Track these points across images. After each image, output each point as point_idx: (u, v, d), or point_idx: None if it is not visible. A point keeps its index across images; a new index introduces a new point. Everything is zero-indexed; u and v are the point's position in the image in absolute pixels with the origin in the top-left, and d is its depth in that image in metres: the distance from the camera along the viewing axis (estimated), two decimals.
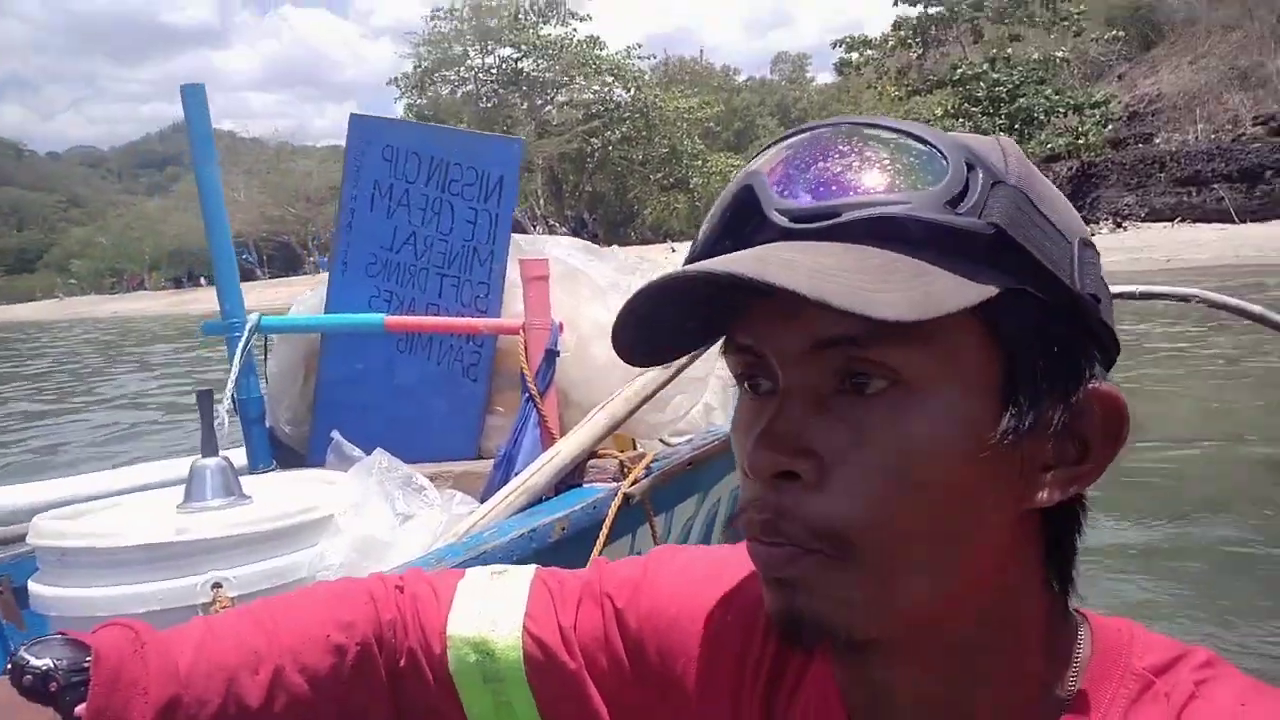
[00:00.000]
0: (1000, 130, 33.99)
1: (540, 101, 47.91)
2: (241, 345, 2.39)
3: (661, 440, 2.68)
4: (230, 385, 2.38)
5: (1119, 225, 29.72)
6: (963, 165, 0.56)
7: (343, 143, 2.55)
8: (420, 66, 47.82)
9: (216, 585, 1.66)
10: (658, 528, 2.42)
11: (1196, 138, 31.73)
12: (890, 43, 37.77)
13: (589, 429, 2.36)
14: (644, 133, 45.94)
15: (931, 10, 36.05)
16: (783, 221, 0.56)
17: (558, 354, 2.46)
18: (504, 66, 47.53)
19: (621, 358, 0.63)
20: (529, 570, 0.86)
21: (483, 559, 1.81)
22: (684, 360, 2.52)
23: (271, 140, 77.17)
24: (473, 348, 2.55)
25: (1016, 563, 0.60)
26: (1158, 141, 32.71)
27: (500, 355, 2.58)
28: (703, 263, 0.54)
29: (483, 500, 2.27)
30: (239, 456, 2.49)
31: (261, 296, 49.73)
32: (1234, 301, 2.66)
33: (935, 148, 0.57)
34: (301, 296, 2.69)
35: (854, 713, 0.66)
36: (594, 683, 0.78)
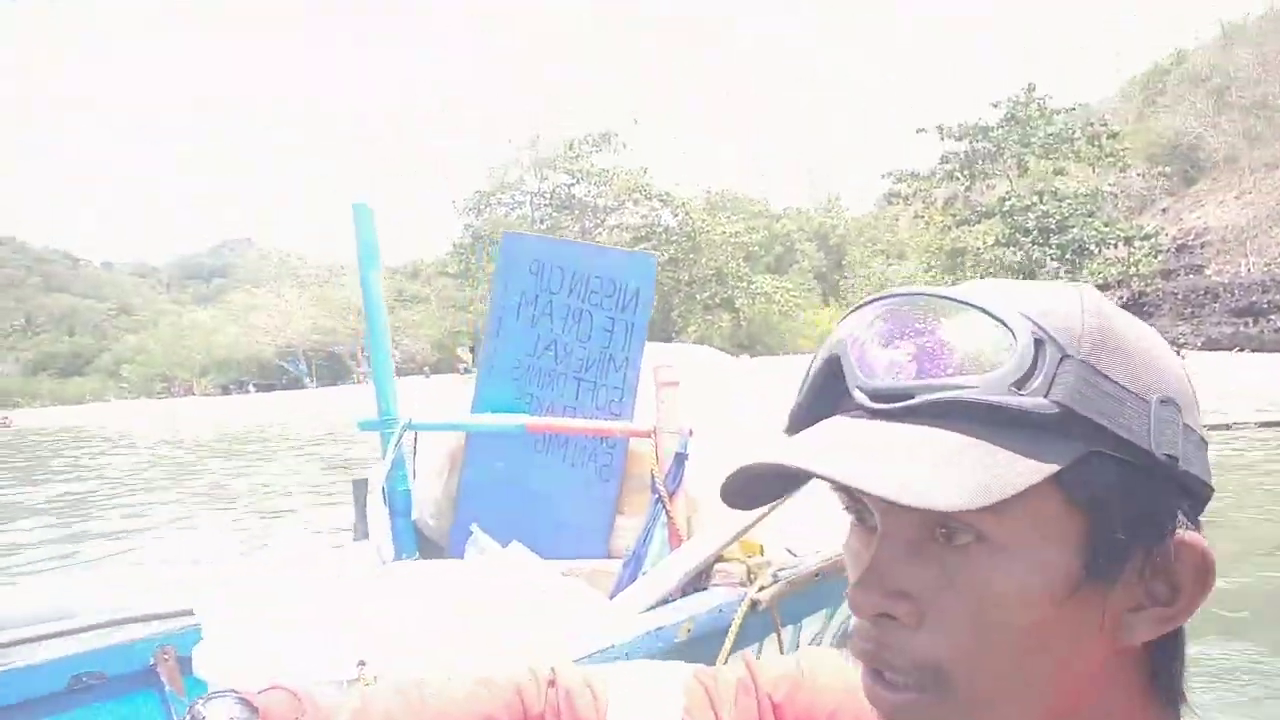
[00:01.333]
0: (1051, 259, 35.02)
1: (590, 224, 49.13)
2: (394, 441, 2.56)
3: (788, 550, 2.69)
4: (382, 478, 2.54)
5: (1177, 352, 29.62)
6: (1030, 343, 0.58)
7: (393, 261, 2.72)
8: (479, 191, 49.45)
9: (361, 663, 1.77)
10: (784, 637, 2.44)
11: (1249, 269, 31.92)
12: (938, 175, 38.66)
13: (717, 531, 2.41)
14: (691, 255, 46.87)
15: (978, 145, 37.01)
16: (864, 401, 0.59)
17: (686, 457, 2.54)
18: (557, 192, 49.00)
19: (729, 505, 0.65)
20: (683, 668, 0.90)
21: (610, 654, 1.89)
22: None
23: (324, 254, 79.45)
24: (605, 449, 2.69)
25: (1117, 692, 0.63)
26: (1208, 272, 33.04)
27: (632, 458, 2.71)
28: (782, 457, 0.57)
29: (611, 597, 2.36)
30: (387, 547, 2.63)
31: (307, 403, 50.20)
32: None
33: (1004, 324, 0.59)
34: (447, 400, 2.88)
35: None
36: None
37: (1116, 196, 36.22)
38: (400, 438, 2.58)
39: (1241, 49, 38.12)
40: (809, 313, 48.63)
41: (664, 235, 47.03)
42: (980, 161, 37.31)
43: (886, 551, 0.59)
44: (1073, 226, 33.87)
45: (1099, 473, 0.57)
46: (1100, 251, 34.07)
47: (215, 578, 2.79)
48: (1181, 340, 31.18)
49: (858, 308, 0.66)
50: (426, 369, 59.64)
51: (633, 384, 2.71)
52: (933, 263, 38.06)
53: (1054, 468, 0.56)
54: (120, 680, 2.23)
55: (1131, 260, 33.10)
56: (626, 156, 48.81)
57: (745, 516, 2.45)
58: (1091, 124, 35.96)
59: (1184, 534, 0.60)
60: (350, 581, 2.22)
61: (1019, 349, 0.58)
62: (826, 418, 0.62)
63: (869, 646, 0.60)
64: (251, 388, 72.81)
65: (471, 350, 58.28)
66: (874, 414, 0.59)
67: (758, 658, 2.49)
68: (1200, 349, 29.72)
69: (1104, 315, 0.62)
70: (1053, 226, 34.22)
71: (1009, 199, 35.03)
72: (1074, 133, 35.56)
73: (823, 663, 0.85)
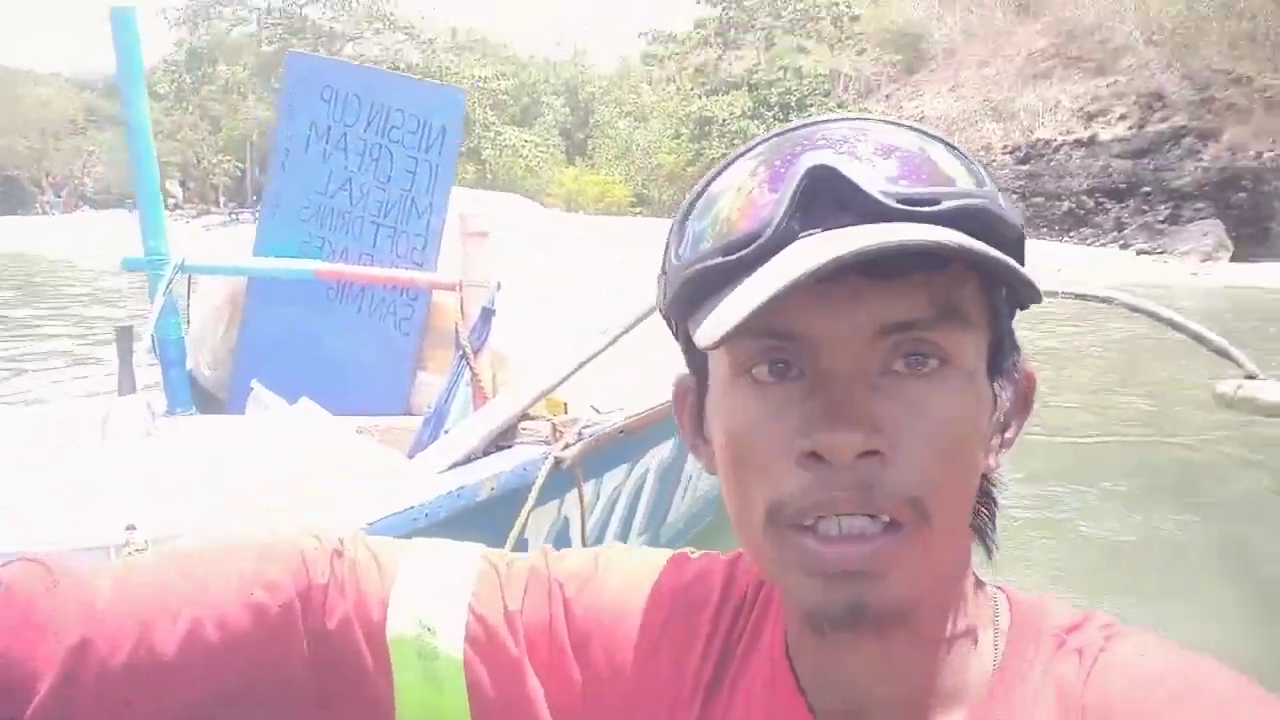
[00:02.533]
0: None
1: (325, 52, 46.21)
2: (163, 284, 2.33)
3: (593, 407, 2.68)
4: (151, 324, 2.30)
5: None
6: (981, 168, 0.63)
7: (86, 74, 2.46)
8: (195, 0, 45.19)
9: (130, 527, 1.63)
10: (586, 494, 2.45)
11: None
12: (693, 40, 39.38)
13: (523, 391, 2.37)
14: None
15: (731, 14, 37.99)
16: (890, 203, 0.58)
17: (494, 312, 2.44)
18: (288, 9, 45.55)
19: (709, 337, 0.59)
20: (476, 549, 0.86)
21: (409, 515, 1.84)
22: (623, 328, 2.61)
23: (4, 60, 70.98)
24: (406, 301, 2.55)
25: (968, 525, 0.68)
26: None
27: (435, 311, 2.58)
28: (871, 238, 0.55)
29: (410, 456, 2.28)
30: (157, 399, 2.41)
31: None
32: (1150, 306, 2.94)
33: (958, 149, 0.64)
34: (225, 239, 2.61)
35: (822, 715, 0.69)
36: (534, 672, 0.79)
37: (849, 79, 38.30)
38: (172, 280, 2.33)
39: None
40: (554, 170, 48.41)
41: (407, 72, 45.11)
42: (732, 30, 38.37)
43: (855, 390, 0.59)
44: (811, 105, 35.99)
45: (1008, 301, 0.64)
46: None
47: None
48: None
49: (796, 129, 0.65)
50: (129, 201, 55.08)
51: (437, 231, 2.55)
52: (681, 129, 38.92)
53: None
54: None
55: None
56: None
57: (552, 374, 2.43)
58: (836, 4, 37.69)
59: (1021, 360, 0.66)
60: (117, 439, 2.04)
61: (984, 175, 0.63)
62: (798, 237, 0.59)
63: (848, 492, 0.58)
64: None
65: (182, 184, 54.27)
66: (901, 215, 0.58)
67: (560, 515, 2.49)
68: None
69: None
70: (793, 104, 36.29)
71: (756, 72, 36.36)
72: (820, 11, 37.26)
73: (616, 559, 0.83)
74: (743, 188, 0.63)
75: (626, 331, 2.42)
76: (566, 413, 2.55)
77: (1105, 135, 32.35)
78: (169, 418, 2.31)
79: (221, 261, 2.53)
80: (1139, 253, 27.28)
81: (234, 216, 46.94)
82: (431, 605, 0.80)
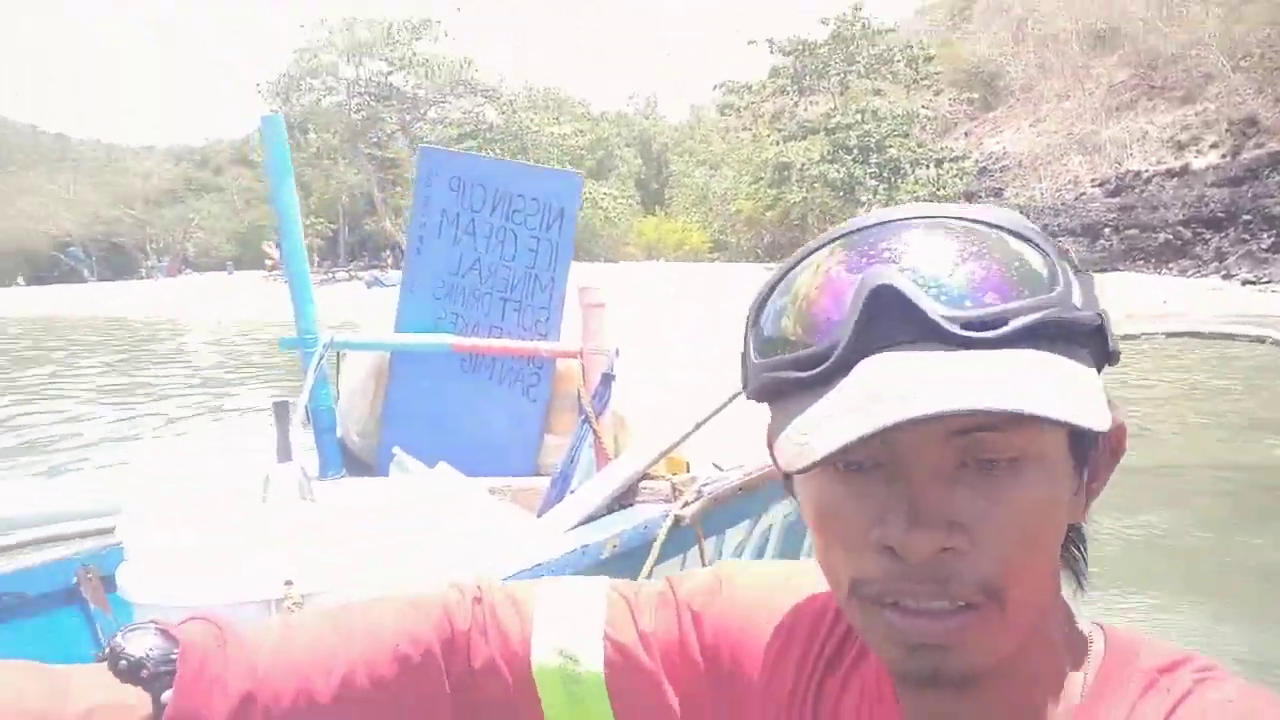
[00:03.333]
0: (870, 176, 36.74)
1: (410, 117, 47.53)
2: (315, 360, 2.52)
3: (714, 465, 2.77)
4: (304, 397, 2.51)
5: None
6: (1059, 258, 0.63)
7: (186, 142, 2.65)
8: (286, 74, 46.96)
9: (288, 582, 1.74)
10: (707, 550, 2.50)
11: (1042, 194, 34.37)
12: (768, 89, 39.59)
13: (642, 451, 2.46)
14: (518, 156, 46.10)
15: (805, 61, 38.14)
16: (953, 328, 0.59)
17: (614, 378, 2.56)
18: (374, 79, 47.12)
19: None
20: (603, 581, 0.90)
21: (537, 571, 1.92)
22: (740, 392, 2.73)
23: (104, 138, 74.23)
24: (532, 369, 2.69)
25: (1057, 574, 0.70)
26: (1007, 196, 35.38)
27: (559, 378, 2.71)
28: (902, 410, 0.56)
29: (539, 515, 2.38)
30: (311, 464, 2.61)
31: (86, 299, 47.27)
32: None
33: (1033, 241, 0.64)
34: (371, 316, 2.85)
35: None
36: (670, 685, 0.83)
37: (926, 119, 38.08)
38: (322, 357, 2.54)
39: None
40: (632, 219, 48.89)
41: (489, 133, 45.95)
42: (807, 77, 38.46)
43: (932, 488, 0.61)
44: (890, 147, 35.82)
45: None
46: (913, 171, 36.00)
47: (139, 495, 2.73)
48: None
49: (867, 228, 0.66)
50: (230, 264, 56.98)
51: (558, 303, 2.69)
52: (760, 175, 38.97)
53: (1095, 374, 0.63)
54: (43, 599, 2.21)
55: (940, 181, 35.08)
56: (448, 45, 47.09)
57: (670, 435, 2.56)
58: (910, 47, 37.55)
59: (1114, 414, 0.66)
60: (277, 501, 2.21)
61: (1059, 265, 0.63)
62: (864, 357, 0.61)
63: (928, 586, 0.62)
64: (20, 280, 65.32)
65: (278, 246, 55.97)
66: (963, 341, 0.59)
67: (681, 571, 2.61)
68: None
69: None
70: (872, 145, 36.10)
71: (834, 116, 36.40)
72: (894, 55, 37.14)
73: (738, 573, 0.88)
74: (811, 297, 0.64)
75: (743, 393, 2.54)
76: (688, 471, 2.64)
77: (1198, 164, 31.15)
78: (322, 481, 2.50)
79: (366, 338, 2.75)
80: (1244, 283, 26.17)
81: (330, 275, 48.35)
82: (570, 635, 0.84)
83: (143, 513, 1.94)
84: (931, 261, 0.62)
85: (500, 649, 0.85)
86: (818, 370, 0.62)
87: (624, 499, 2.44)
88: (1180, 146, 32.83)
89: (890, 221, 0.66)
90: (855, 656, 0.78)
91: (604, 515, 2.37)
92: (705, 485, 2.52)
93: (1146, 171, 32.57)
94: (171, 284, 54.43)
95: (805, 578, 0.85)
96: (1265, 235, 27.89)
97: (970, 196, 35.89)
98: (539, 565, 1.98)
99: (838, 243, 0.66)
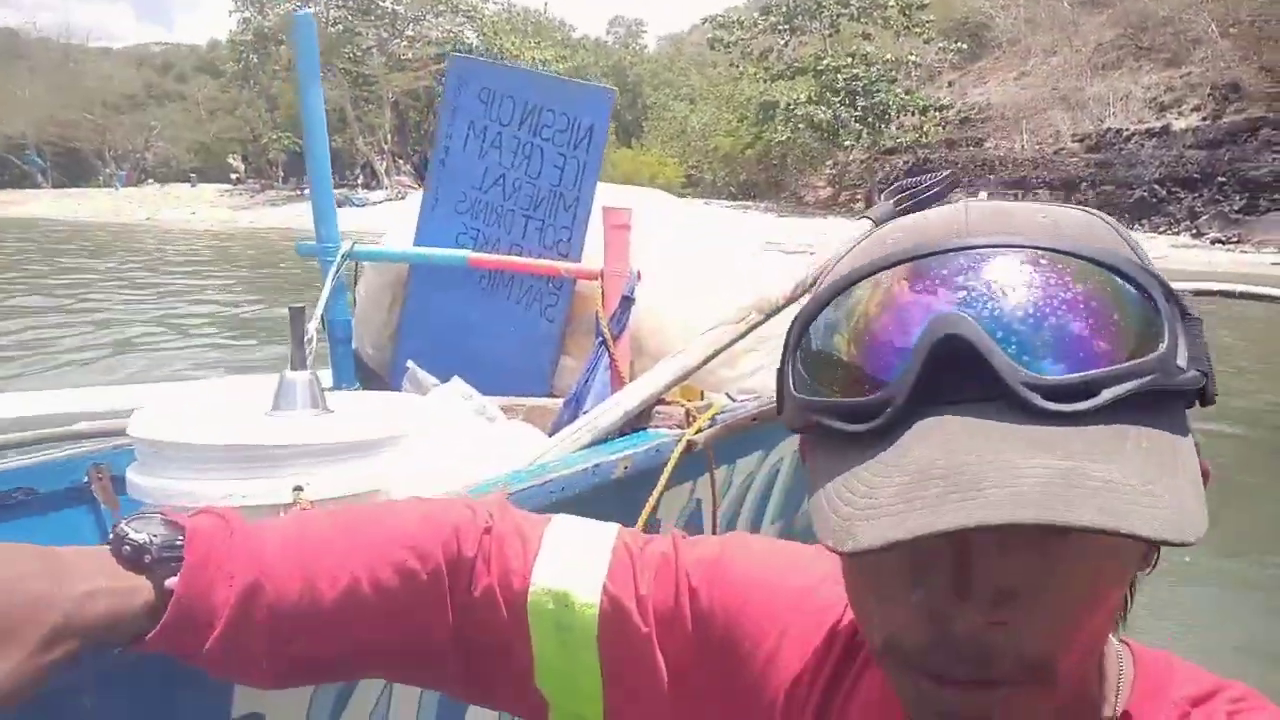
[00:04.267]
0: (855, 120, 36.77)
1: (388, 34, 46.61)
2: (334, 269, 2.47)
3: (729, 395, 2.73)
4: (321, 306, 2.47)
5: None
6: (1168, 306, 0.54)
7: (140, 43, 2.53)
8: None
9: (298, 488, 1.73)
10: (718, 478, 2.49)
11: (1023, 147, 34.60)
12: (759, 26, 39.29)
13: (658, 375, 2.41)
14: None
15: (798, 1, 37.93)
16: (1033, 399, 0.51)
17: (633, 301, 2.52)
18: None
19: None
20: (613, 530, 0.90)
21: (547, 489, 1.89)
22: (757, 318, 2.72)
23: (60, 37, 72.06)
24: (551, 289, 2.63)
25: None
26: (988, 146, 35.55)
27: (578, 300, 2.66)
28: (1039, 509, 0.47)
29: (551, 435, 2.33)
30: (325, 375, 2.59)
31: (48, 208, 46.58)
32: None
33: (1140, 286, 0.54)
34: (393, 228, 2.80)
35: None
36: (660, 651, 0.82)
37: (913, 65, 38.03)
38: (341, 265, 2.50)
39: None
40: (609, 150, 48.41)
41: (467, 53, 45.41)
42: (799, 16, 38.19)
43: (980, 555, 0.54)
44: (878, 91, 35.69)
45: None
46: (898, 117, 36.05)
47: (150, 396, 2.70)
48: None
49: (928, 256, 0.56)
50: (192, 176, 55.81)
51: (582, 224, 2.62)
52: (744, 113, 38.77)
53: (1193, 445, 0.54)
54: (53, 496, 2.18)
55: (923, 129, 35.22)
56: None
57: (685, 359, 2.55)
58: None
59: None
60: (288, 408, 2.20)
61: (1166, 317, 0.54)
62: (923, 411, 0.53)
63: (968, 666, 0.55)
64: None
65: (244, 159, 54.95)
66: (1044, 414, 0.51)
67: (692, 497, 2.60)
68: None
69: (1133, 239, 0.59)
70: (859, 90, 35.97)
71: (823, 58, 36.24)
72: (888, 0, 36.96)
73: (741, 551, 0.84)
74: (872, 314, 0.57)
75: (764, 320, 2.55)
76: (702, 399, 2.60)
77: (1179, 125, 31.51)
78: (335, 391, 2.49)
79: (386, 249, 2.72)
80: (1213, 241, 26.82)
81: (299, 191, 47.57)
82: (569, 581, 0.84)
83: (154, 414, 1.93)
84: (1014, 308, 0.52)
85: (500, 581, 0.85)
86: (870, 426, 0.54)
87: (637, 422, 2.41)
88: (1162, 107, 33.06)
89: (972, 248, 0.55)
90: (860, 665, 0.75)
91: (617, 438, 2.34)
92: (720, 413, 2.49)
93: (1127, 130, 32.86)
94: (134, 192, 53.27)
95: (811, 562, 0.82)
96: (1238, 197, 28.46)
97: (951, 144, 36.19)
98: (549, 482, 1.95)
99: (907, 265, 0.57)
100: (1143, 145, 31.82)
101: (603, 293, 2.56)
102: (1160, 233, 28.65)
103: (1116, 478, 0.48)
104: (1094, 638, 0.58)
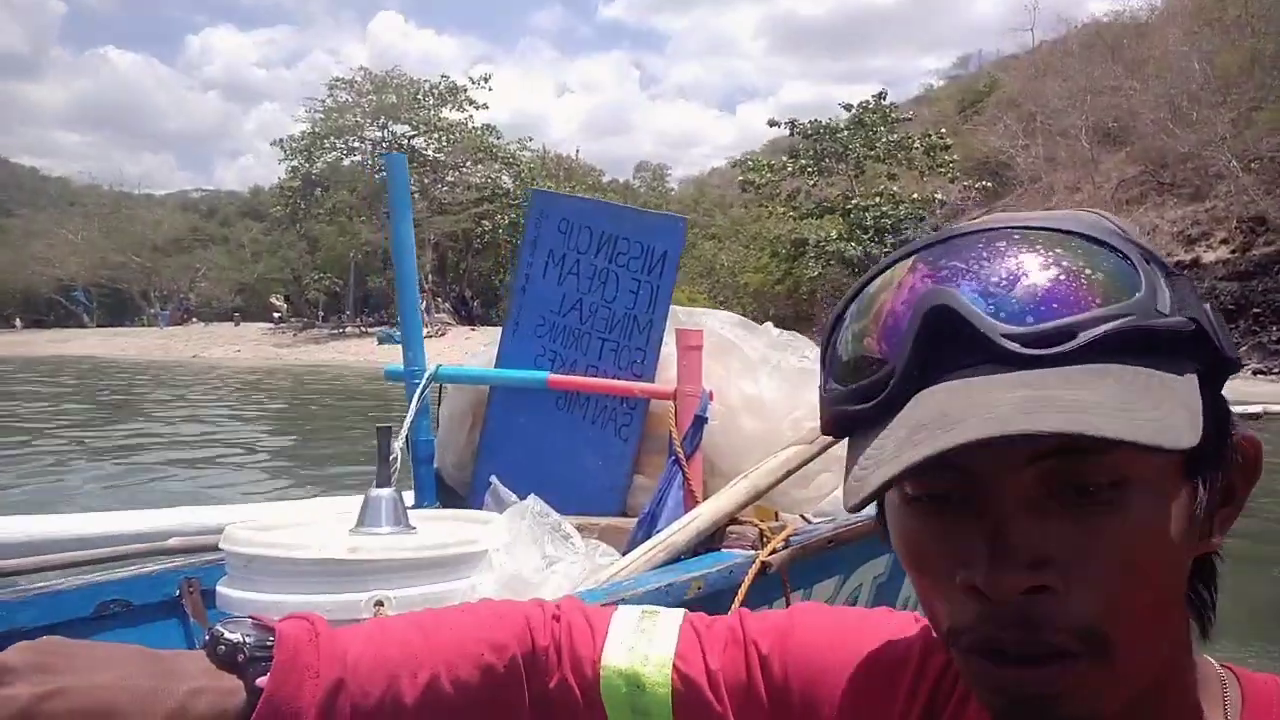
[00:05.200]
0: (885, 255, 37.08)
1: (430, 180, 48.23)
2: (419, 391, 2.53)
3: (803, 516, 2.72)
4: (406, 426, 2.54)
5: None
6: (1143, 261, 0.56)
7: (182, 190, 2.68)
8: (310, 131, 47.77)
9: (379, 603, 1.78)
10: (793, 602, 2.39)
11: None
12: (789, 168, 40.43)
13: (731, 494, 2.38)
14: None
15: (825, 144, 39.08)
16: (1014, 347, 0.54)
17: (706, 420, 2.53)
18: (398, 141, 47.87)
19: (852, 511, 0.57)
20: (678, 613, 0.89)
21: None
22: (830, 438, 2.76)
23: (109, 185, 74.79)
24: (626, 409, 2.64)
25: (1183, 613, 0.63)
26: None
27: (652, 419, 2.66)
28: (967, 432, 0.51)
29: (625, 554, 2.30)
30: (408, 494, 2.63)
31: (97, 346, 47.70)
32: None
33: (1112, 247, 0.57)
34: (476, 351, 2.89)
35: None
36: None
37: (940, 203, 38.78)
38: (426, 388, 2.57)
39: (1051, 80, 41.33)
40: None
41: (505, 199, 46.64)
42: (827, 159, 39.26)
43: (1016, 520, 0.55)
44: (906, 229, 36.26)
45: (1204, 383, 0.56)
46: None
47: (242, 515, 2.77)
48: None
49: (920, 247, 0.62)
50: (236, 315, 57.12)
51: (655, 345, 2.64)
52: (776, 250, 39.51)
53: (1197, 389, 0.54)
54: (145, 609, 2.23)
55: None
56: (474, 110, 47.97)
57: (759, 480, 2.58)
58: (928, 135, 38.39)
59: (1238, 430, 0.60)
60: (374, 525, 2.25)
61: (1141, 270, 0.56)
62: (930, 379, 0.56)
63: (1016, 632, 0.55)
64: (17, 323, 64.31)
65: (287, 299, 56.28)
66: (1026, 361, 0.53)
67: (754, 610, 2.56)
68: None
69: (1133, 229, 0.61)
70: (888, 227, 36.53)
71: (852, 198, 37.19)
72: (913, 141, 37.95)
73: (810, 614, 0.84)
74: (881, 308, 0.60)
75: (834, 443, 2.56)
76: (777, 520, 2.57)
77: (1208, 258, 31.76)
78: (418, 509, 2.53)
79: (469, 369, 2.79)
80: (1255, 372, 26.77)
81: (340, 329, 48.44)
82: (640, 664, 0.84)
83: (246, 529, 1.98)
84: (992, 275, 0.56)
85: (573, 670, 0.86)
86: (876, 401, 0.58)
87: (710, 543, 2.38)
88: (1190, 241, 33.27)
89: (960, 235, 0.60)
90: (957, 702, 0.73)
91: (690, 558, 2.31)
92: (794, 535, 2.45)
93: None
94: (179, 330, 54.46)
95: (881, 622, 0.81)
96: (1274, 328, 28.41)
97: None
98: (623, 599, 1.90)
99: (913, 256, 0.62)
100: None
101: (675, 412, 2.60)
102: None
103: (1088, 397, 0.50)
104: (1150, 613, 0.56)
